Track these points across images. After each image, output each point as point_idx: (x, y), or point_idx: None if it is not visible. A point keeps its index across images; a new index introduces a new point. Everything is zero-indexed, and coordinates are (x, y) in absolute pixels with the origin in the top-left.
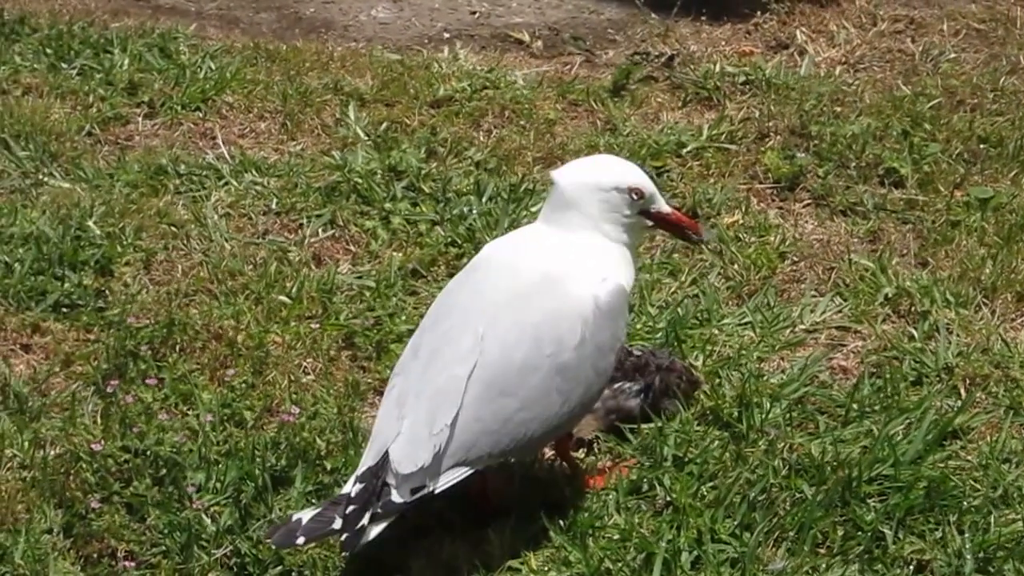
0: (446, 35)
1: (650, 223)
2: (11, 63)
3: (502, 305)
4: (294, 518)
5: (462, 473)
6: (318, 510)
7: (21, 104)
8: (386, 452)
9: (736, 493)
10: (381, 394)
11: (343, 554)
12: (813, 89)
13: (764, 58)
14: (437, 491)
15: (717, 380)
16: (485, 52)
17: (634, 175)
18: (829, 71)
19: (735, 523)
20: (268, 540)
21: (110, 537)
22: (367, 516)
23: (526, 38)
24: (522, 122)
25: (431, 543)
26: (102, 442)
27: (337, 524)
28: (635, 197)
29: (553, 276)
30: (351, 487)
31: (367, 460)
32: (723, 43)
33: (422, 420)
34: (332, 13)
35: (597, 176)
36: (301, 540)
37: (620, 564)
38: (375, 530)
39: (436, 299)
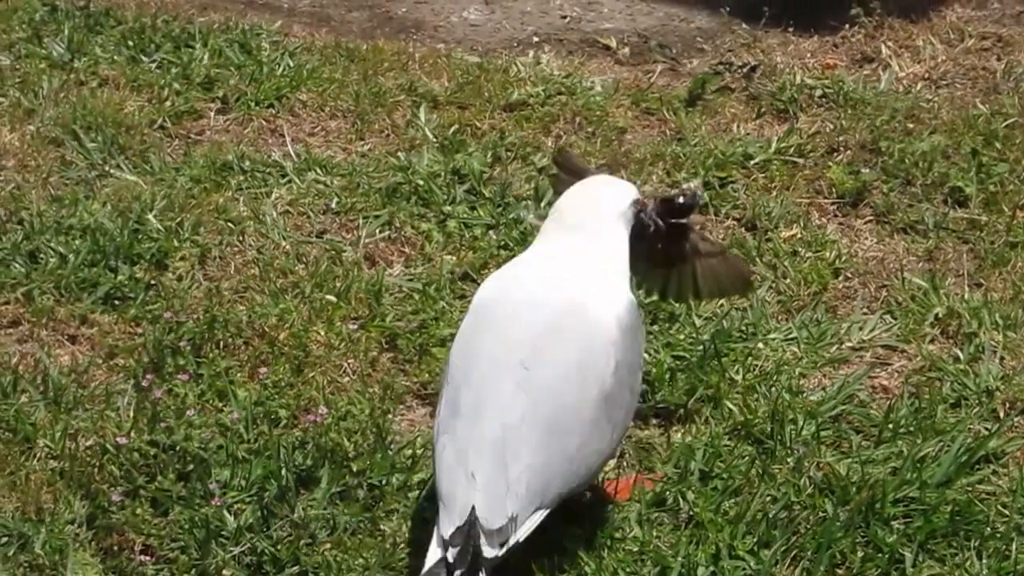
0: (535, 39)
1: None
2: (92, 55)
3: (532, 344)
4: None
5: (540, 516)
6: None
7: (96, 96)
8: (471, 511)
9: (758, 510)
10: (420, 398)
11: None
12: (889, 104)
13: (847, 71)
14: (521, 540)
15: (754, 395)
16: (571, 57)
17: (631, 188)
18: (909, 87)
19: (754, 540)
20: None
21: (130, 530)
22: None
23: (613, 44)
24: (591, 129)
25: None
26: (128, 436)
27: None
28: (637, 209)
29: (575, 306)
30: (440, 553)
31: (452, 522)
32: (808, 55)
33: (493, 475)
34: (424, 13)
35: (611, 199)
36: None
37: None
38: None
39: (455, 348)
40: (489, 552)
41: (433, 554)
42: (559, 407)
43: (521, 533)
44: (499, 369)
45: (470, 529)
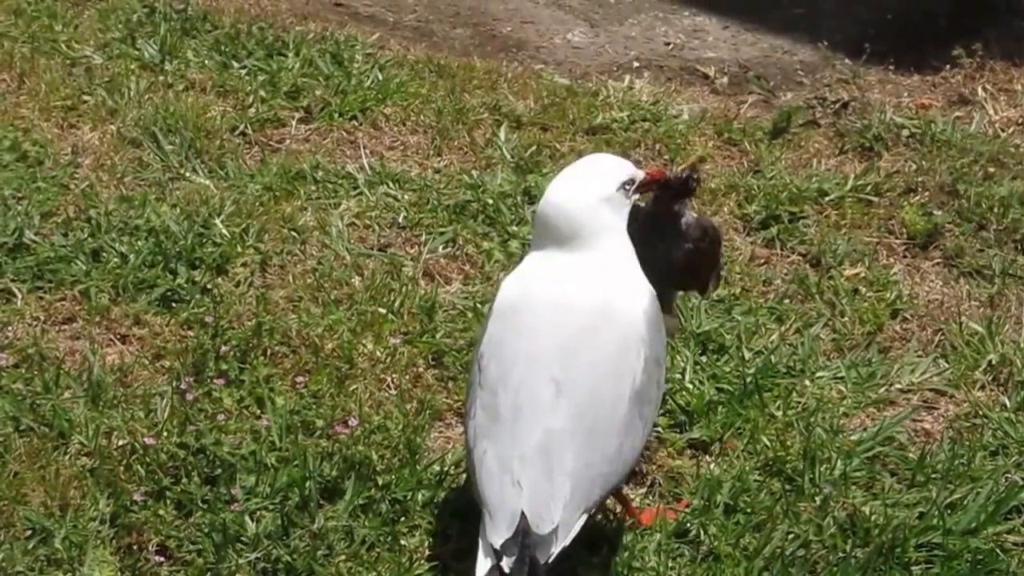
0: (636, 64)
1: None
2: (183, 58)
3: (566, 346)
4: None
5: (583, 520)
6: None
7: (180, 99)
8: (521, 518)
9: (777, 546)
10: (459, 415)
11: None
12: (974, 147)
13: (941, 112)
14: (568, 543)
15: (791, 431)
16: (668, 84)
17: (622, 166)
18: (1000, 131)
19: None
20: None
21: (149, 531)
22: None
23: (712, 73)
24: (669, 156)
25: (461, 569)
26: (158, 437)
27: None
28: (629, 187)
29: (603, 304)
30: (490, 562)
31: (500, 533)
32: (906, 94)
33: (539, 481)
34: (528, 34)
35: (598, 186)
36: None
37: None
38: None
39: (485, 352)
40: (540, 559)
41: (482, 565)
42: (598, 409)
43: (568, 539)
44: (536, 373)
45: (524, 538)
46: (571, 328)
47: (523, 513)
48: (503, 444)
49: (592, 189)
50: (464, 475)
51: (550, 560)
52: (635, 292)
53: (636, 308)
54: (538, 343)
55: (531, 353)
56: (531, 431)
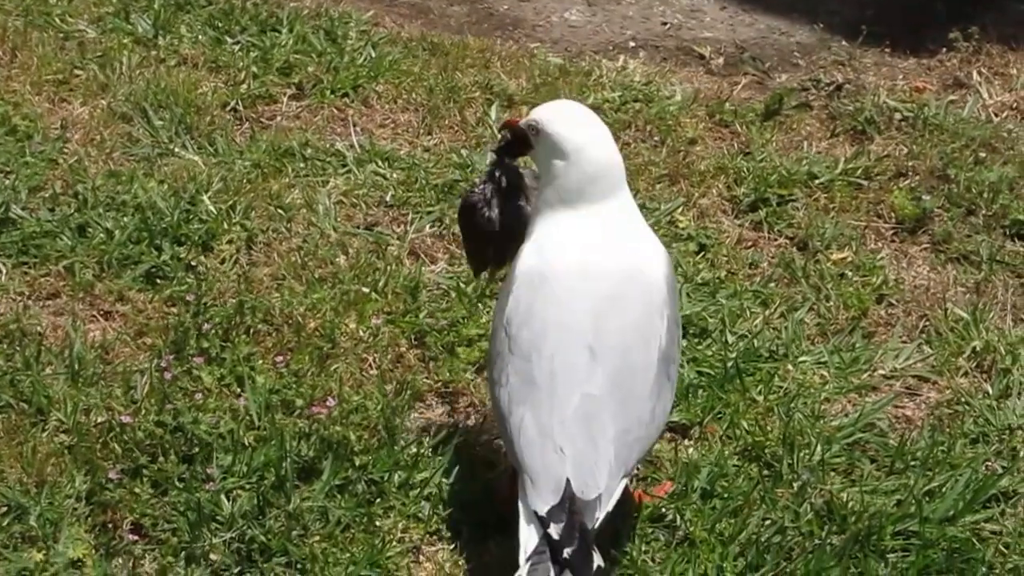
0: (632, 44)
1: None
2: (176, 33)
3: (596, 312)
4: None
5: (623, 485)
6: (530, 563)
7: (172, 75)
8: (566, 485)
9: (753, 532)
10: (440, 396)
11: None
12: (966, 132)
13: (935, 96)
14: (610, 508)
15: (772, 416)
16: (663, 64)
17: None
18: (993, 115)
19: (744, 563)
20: None
21: (124, 509)
22: (597, 555)
23: (707, 53)
24: (658, 138)
25: (435, 551)
26: (135, 415)
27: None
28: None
29: (628, 269)
30: (544, 530)
31: (546, 500)
32: (901, 77)
33: (583, 446)
34: (525, 12)
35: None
36: None
37: None
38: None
39: (514, 320)
40: (587, 525)
41: (529, 536)
42: (631, 374)
43: (611, 504)
44: (569, 340)
45: (571, 506)
46: (600, 295)
47: (568, 480)
48: (542, 410)
49: (605, 129)
50: (441, 457)
51: (595, 526)
52: (654, 254)
53: (658, 271)
54: (569, 310)
55: (562, 321)
56: (569, 397)
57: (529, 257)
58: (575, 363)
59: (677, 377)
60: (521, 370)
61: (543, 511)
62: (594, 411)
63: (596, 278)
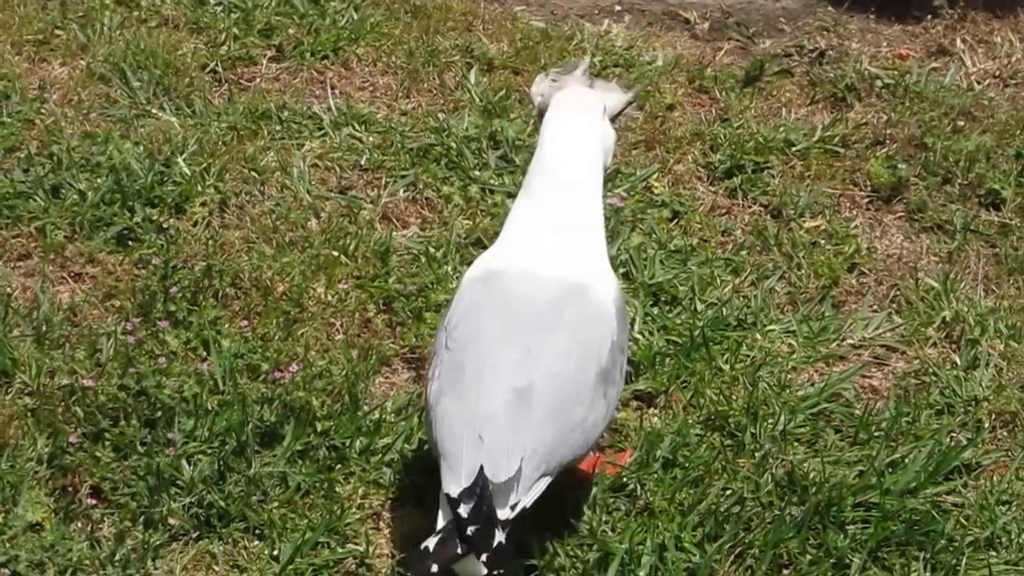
0: (617, 8)
1: None
2: None
3: (537, 319)
4: (422, 547)
5: (544, 485)
6: (440, 536)
7: (152, 35)
8: (479, 472)
9: (712, 502)
10: (406, 361)
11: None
12: (946, 100)
13: (919, 63)
14: (528, 505)
15: (737, 385)
16: (649, 28)
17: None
18: (975, 83)
19: (703, 533)
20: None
21: (84, 473)
22: (499, 531)
23: (693, 18)
24: (636, 103)
25: (396, 517)
26: (97, 379)
27: (462, 548)
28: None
29: (574, 285)
30: (453, 511)
31: (459, 483)
32: (885, 44)
33: (503, 435)
34: None
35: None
36: (435, 568)
37: (575, 561)
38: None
39: (456, 315)
40: (501, 513)
41: (444, 515)
42: (565, 379)
43: (528, 499)
44: (506, 338)
45: (482, 489)
46: (544, 304)
47: (482, 466)
48: (468, 400)
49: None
50: (404, 422)
51: (510, 517)
52: (607, 280)
53: (608, 294)
54: (509, 312)
55: (501, 321)
56: (497, 391)
57: (482, 261)
58: (509, 359)
59: (615, 403)
60: (453, 364)
61: (455, 493)
62: (521, 403)
63: (544, 287)
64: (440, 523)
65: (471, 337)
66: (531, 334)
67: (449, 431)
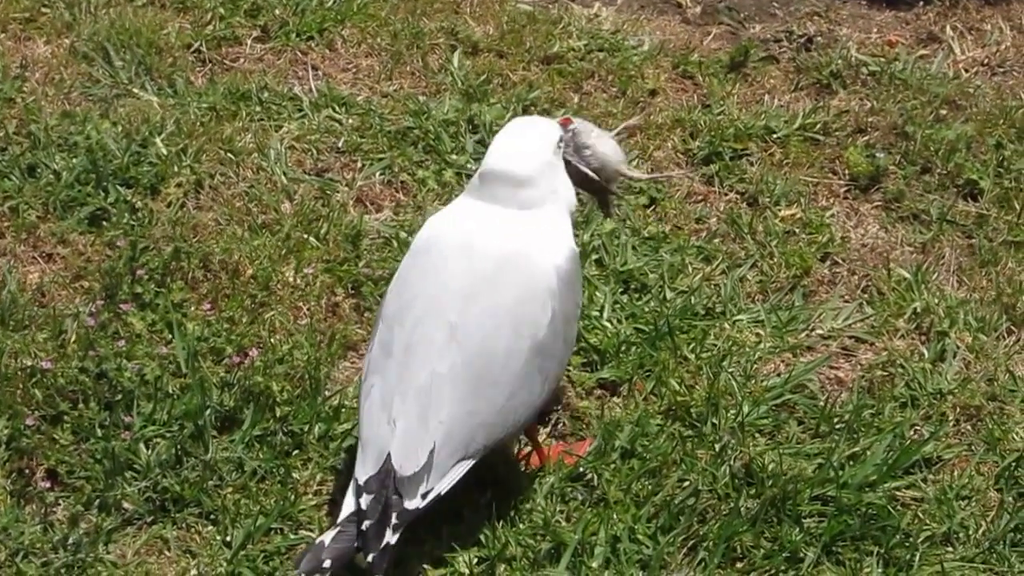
0: None
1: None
2: None
3: (468, 292)
4: (318, 541)
5: (464, 468)
6: (338, 529)
7: (138, 15)
8: (387, 459)
9: (668, 494)
10: None
11: None
12: (931, 88)
13: (908, 50)
14: (443, 492)
15: (701, 375)
16: (640, 12)
17: (553, 126)
18: (960, 71)
19: (658, 525)
20: (296, 571)
21: (40, 456)
22: (390, 532)
23: (685, 2)
24: (617, 88)
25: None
26: (55, 361)
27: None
28: (564, 137)
29: (513, 253)
30: (356, 499)
31: (366, 469)
32: (875, 30)
33: (415, 422)
34: None
35: (542, 143)
36: (328, 563)
37: (526, 551)
38: (393, 539)
39: (391, 287)
40: (410, 504)
41: (349, 503)
42: (489, 357)
43: (443, 485)
44: (433, 314)
45: (385, 477)
46: (476, 274)
47: (389, 454)
48: (390, 381)
49: (540, 145)
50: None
51: (420, 507)
52: (553, 246)
53: (548, 261)
54: (440, 285)
55: (432, 295)
56: (418, 372)
57: (425, 230)
58: (432, 338)
59: (556, 377)
60: (383, 339)
61: (362, 480)
62: (436, 389)
63: (478, 258)
64: (344, 513)
65: (400, 312)
66: (457, 311)
67: (367, 413)
